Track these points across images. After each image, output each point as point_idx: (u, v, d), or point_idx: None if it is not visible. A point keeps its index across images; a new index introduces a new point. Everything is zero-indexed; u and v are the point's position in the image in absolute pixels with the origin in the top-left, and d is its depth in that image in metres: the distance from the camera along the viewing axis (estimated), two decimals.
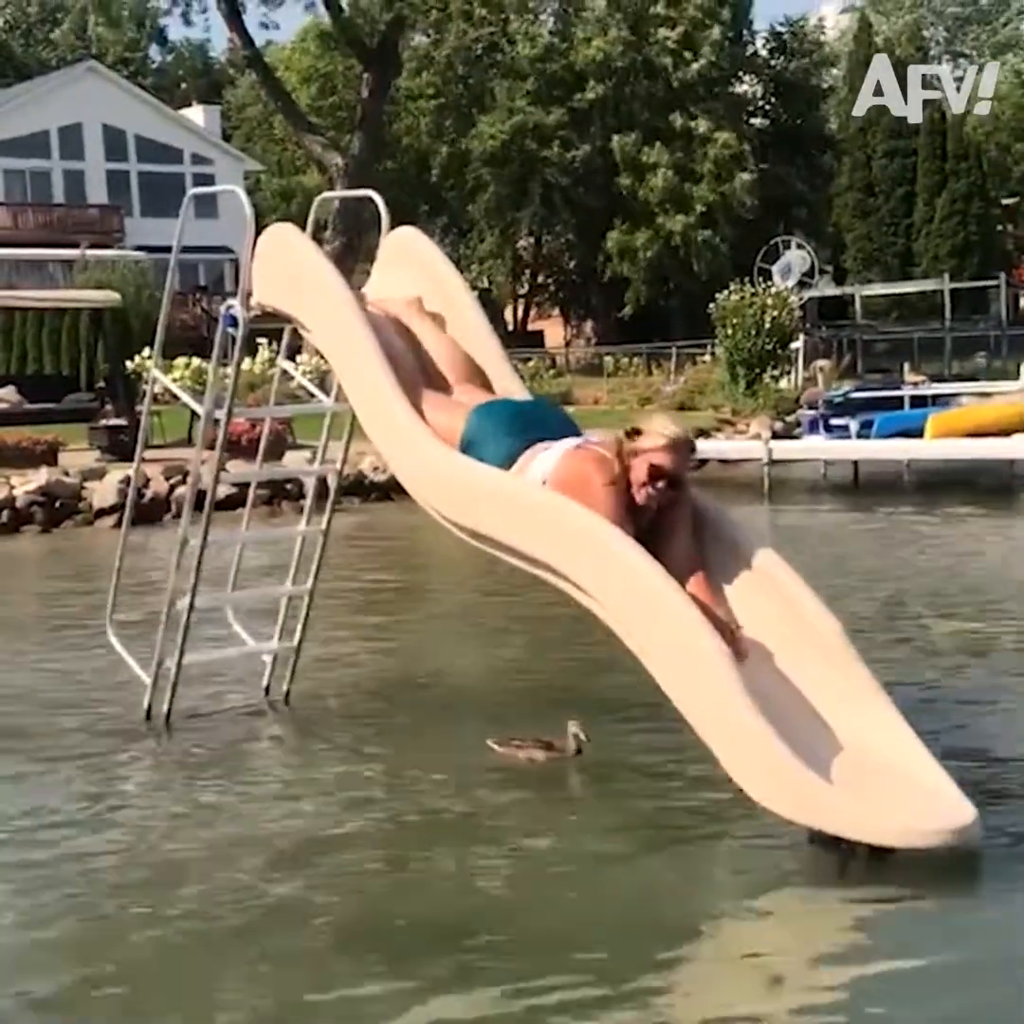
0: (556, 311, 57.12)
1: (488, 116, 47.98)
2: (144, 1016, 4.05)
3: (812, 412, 22.93)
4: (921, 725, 5.10)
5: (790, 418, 25.36)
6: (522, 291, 55.80)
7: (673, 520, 5.22)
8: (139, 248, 40.03)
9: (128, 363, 22.11)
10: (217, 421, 6.73)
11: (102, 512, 16.36)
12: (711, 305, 29.71)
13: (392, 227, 6.74)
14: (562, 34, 49.50)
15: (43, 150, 48.14)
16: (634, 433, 5.23)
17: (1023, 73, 55.63)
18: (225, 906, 4.70)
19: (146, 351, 21.76)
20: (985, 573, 11.54)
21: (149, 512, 15.26)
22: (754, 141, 48.94)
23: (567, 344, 52.70)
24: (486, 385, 6.00)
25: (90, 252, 35.97)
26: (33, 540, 15.68)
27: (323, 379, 11.76)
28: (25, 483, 16.53)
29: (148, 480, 16.13)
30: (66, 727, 6.97)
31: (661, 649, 4.93)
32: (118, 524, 14.04)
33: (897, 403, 22.82)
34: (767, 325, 28.36)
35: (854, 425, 20.78)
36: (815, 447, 20.89)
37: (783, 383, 29.68)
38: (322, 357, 6.87)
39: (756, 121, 53.46)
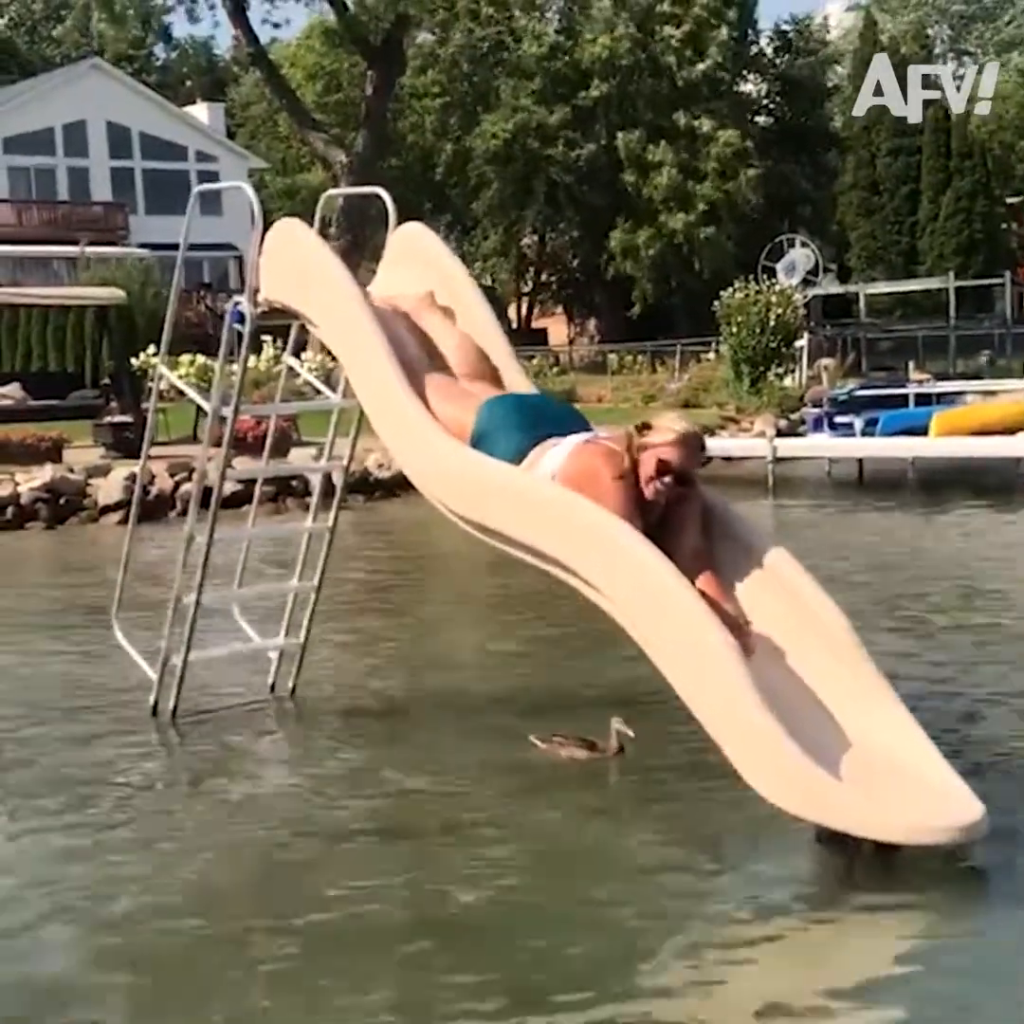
0: (560, 309, 57.10)
1: (492, 115, 47.98)
2: (150, 1014, 4.05)
3: (816, 410, 22.91)
4: (928, 722, 5.10)
5: (794, 416, 25.34)
6: (526, 289, 55.78)
7: (682, 516, 5.21)
8: (143, 245, 40.00)
9: (133, 360, 22.11)
10: (223, 418, 6.72)
11: (107, 509, 16.37)
12: (715, 303, 29.70)
13: (398, 224, 6.74)
14: (568, 32, 49.46)
15: (47, 147, 48.14)
16: (644, 428, 5.23)
17: None
18: (231, 904, 4.70)
19: (151, 348, 21.76)
20: (990, 570, 11.53)
21: (154, 509, 15.28)
22: (758, 139, 48.90)
23: (571, 342, 52.66)
24: (497, 379, 5.99)
25: (89, 249, 35.96)
26: (38, 537, 15.68)
27: (328, 376, 11.76)
28: (30, 480, 16.54)
29: (153, 477, 16.14)
30: (72, 723, 6.97)
31: (669, 645, 4.93)
32: (123, 521, 14.05)
33: (902, 401, 22.79)
34: (771, 323, 28.35)
35: (859, 423, 20.76)
36: (820, 445, 20.87)
37: (787, 381, 29.66)
38: (329, 353, 6.88)
39: (761, 119, 53.43)
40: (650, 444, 5.16)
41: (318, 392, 8.05)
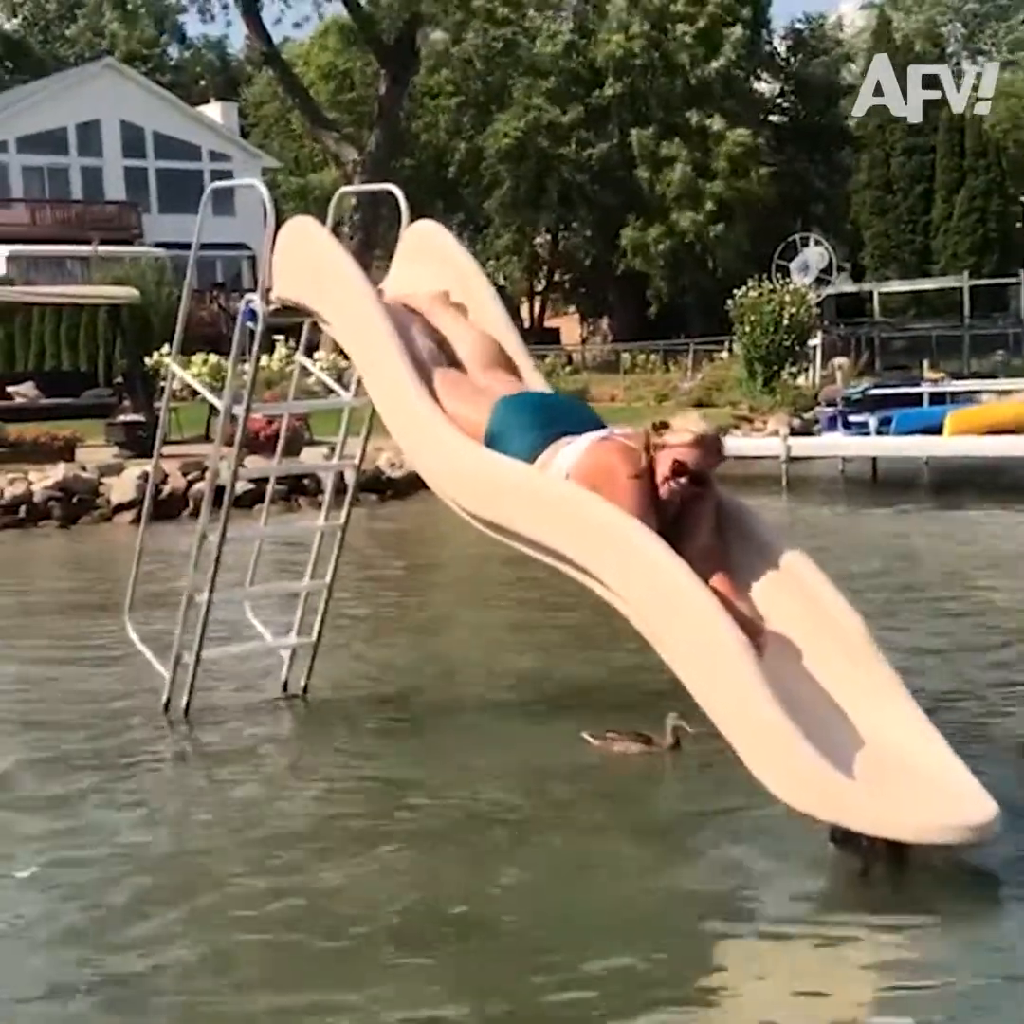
0: (572, 308, 57.08)
1: (504, 114, 48.00)
2: (162, 1012, 4.05)
3: (830, 409, 22.85)
4: (943, 721, 5.08)
5: (808, 415, 25.27)
6: (539, 288, 55.77)
7: (696, 515, 5.19)
8: (157, 245, 40.08)
9: (146, 359, 22.14)
10: (235, 417, 6.72)
11: (120, 507, 16.38)
12: (728, 302, 29.65)
13: (410, 222, 6.72)
14: (582, 30, 49.46)
15: (61, 147, 48.24)
16: (662, 427, 5.20)
17: None
18: (247, 901, 4.69)
19: (164, 347, 21.77)
20: (1006, 569, 11.50)
21: (167, 508, 15.28)
22: (772, 138, 48.85)
23: (583, 341, 52.65)
24: (512, 369, 5.98)
25: (102, 248, 36.03)
26: (51, 535, 15.70)
27: (340, 375, 11.76)
28: (43, 478, 16.56)
29: (166, 476, 16.15)
30: (85, 721, 6.97)
31: (682, 644, 4.91)
32: (136, 519, 14.06)
33: (916, 400, 22.74)
34: (785, 322, 28.29)
35: (873, 422, 20.70)
36: (833, 444, 20.81)
37: (801, 380, 29.61)
38: (341, 352, 6.87)
39: (774, 118, 53.37)
40: (667, 444, 5.14)
41: (330, 391, 8.05)
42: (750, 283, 29.28)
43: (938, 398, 22.82)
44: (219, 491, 6.87)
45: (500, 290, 6.19)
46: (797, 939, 4.34)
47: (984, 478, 18.55)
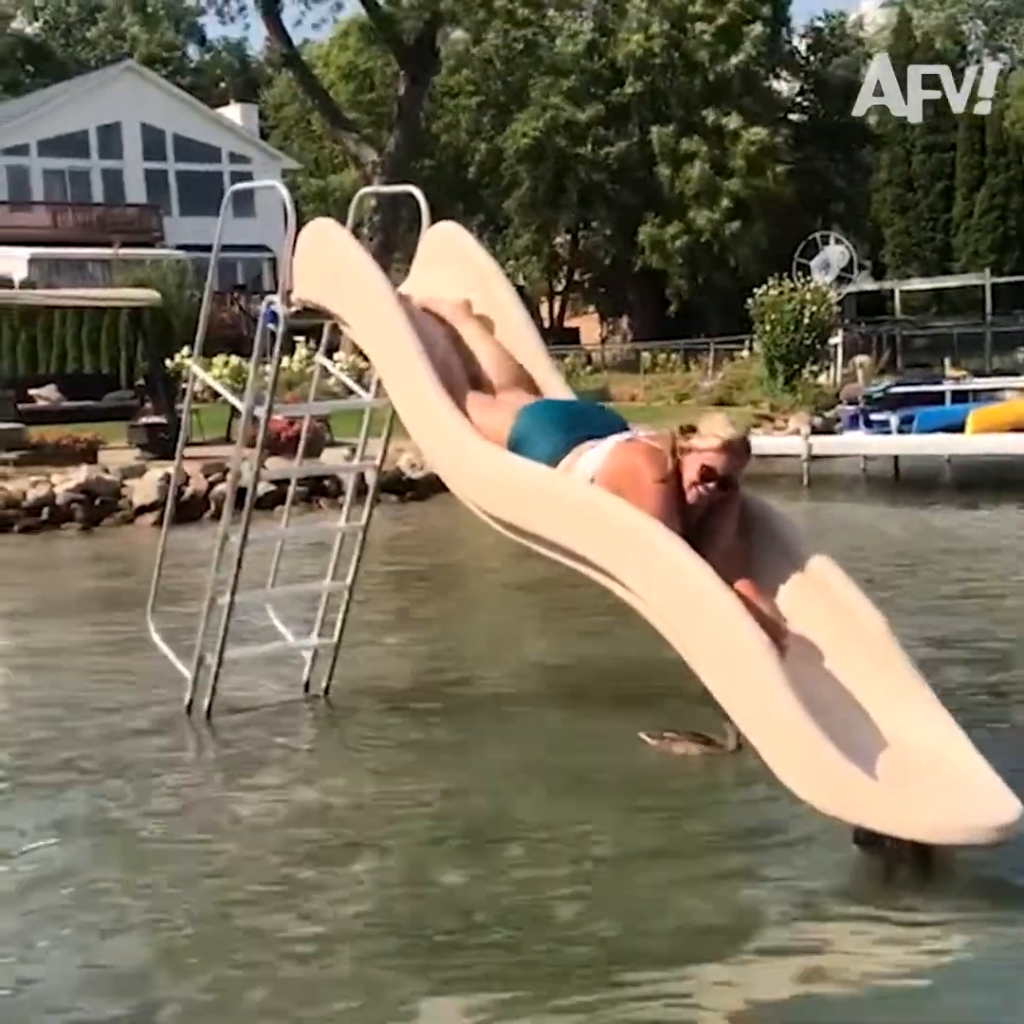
0: (592, 308, 57.05)
1: (522, 113, 48.03)
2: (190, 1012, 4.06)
3: (852, 407, 22.81)
4: (967, 721, 5.05)
5: (829, 414, 25.24)
6: (558, 288, 55.76)
7: (722, 517, 5.18)
8: (178, 247, 40.21)
9: (167, 361, 22.21)
10: (257, 419, 6.73)
11: (142, 509, 16.44)
12: (748, 301, 29.60)
13: (431, 224, 6.73)
14: (602, 30, 49.46)
15: (82, 150, 48.43)
16: (689, 430, 5.18)
17: None
18: (270, 906, 4.70)
19: (185, 349, 21.83)
20: None
21: (189, 509, 15.31)
22: (792, 135, 48.76)
23: (603, 340, 52.62)
24: (533, 388, 5.98)
25: (122, 251, 36.15)
26: (74, 537, 15.76)
27: (360, 376, 11.77)
28: (65, 481, 16.62)
29: (188, 478, 16.19)
30: (108, 722, 6.99)
31: (705, 647, 4.90)
32: (158, 521, 14.11)
33: (938, 398, 22.68)
34: (806, 320, 28.23)
35: (894, 420, 20.66)
36: (855, 442, 20.77)
37: (822, 378, 29.54)
38: (361, 353, 6.87)
39: (794, 116, 53.26)
40: (695, 448, 5.12)
41: (350, 392, 8.05)
42: (771, 282, 29.24)
43: (960, 396, 22.75)
44: (241, 493, 6.88)
45: (519, 290, 6.19)
46: (816, 936, 4.33)
47: (1007, 476, 18.47)
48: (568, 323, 55.05)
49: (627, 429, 5.56)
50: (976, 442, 18.73)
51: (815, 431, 22.23)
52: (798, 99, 54.56)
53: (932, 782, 4.68)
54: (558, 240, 53.79)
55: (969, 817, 4.53)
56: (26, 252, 41.41)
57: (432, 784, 5.89)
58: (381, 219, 35.26)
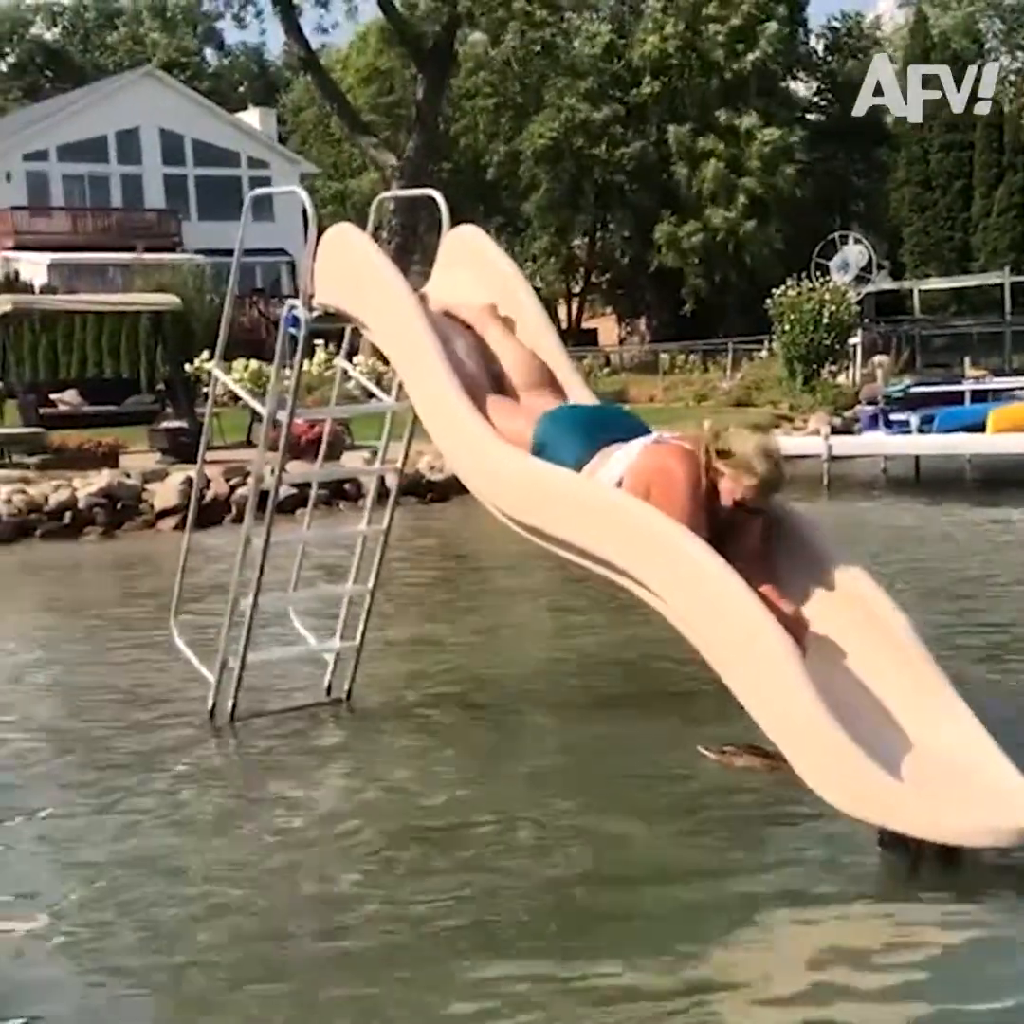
0: (609, 309, 57.02)
1: (539, 115, 48.07)
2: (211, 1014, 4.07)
3: (871, 408, 22.74)
4: (992, 722, 5.04)
5: (849, 414, 25.17)
6: (576, 289, 55.75)
7: (747, 520, 5.17)
8: (197, 252, 40.31)
9: (188, 366, 22.26)
10: (278, 422, 6.75)
11: (164, 513, 16.46)
12: (767, 301, 29.55)
13: (450, 226, 6.73)
14: (620, 31, 49.48)
15: (101, 154, 48.59)
16: (723, 455, 5.09)
17: None
18: (297, 908, 4.71)
19: (205, 353, 21.89)
20: None
21: (210, 513, 15.33)
22: (809, 135, 48.70)
23: (621, 342, 52.58)
24: (557, 390, 5.97)
25: (145, 256, 36.27)
26: (95, 541, 15.80)
27: (380, 379, 11.80)
28: (87, 485, 16.66)
29: (209, 481, 16.21)
30: (132, 727, 7.01)
31: (729, 651, 4.88)
32: (180, 525, 14.14)
33: (957, 398, 22.59)
34: (825, 320, 28.18)
35: (914, 420, 20.59)
36: (875, 443, 20.71)
37: (841, 379, 29.48)
38: (381, 357, 6.89)
39: (812, 116, 53.19)
40: (730, 476, 5.08)
41: (371, 395, 8.07)
42: (789, 282, 29.19)
43: (979, 395, 22.67)
44: (262, 496, 6.90)
45: (536, 292, 6.19)
46: (837, 939, 4.33)
47: None
48: (586, 325, 55.04)
49: (650, 433, 5.56)
50: (997, 442, 18.66)
51: (835, 431, 22.18)
52: (815, 99, 54.46)
53: (957, 784, 4.66)
54: (576, 242, 53.79)
55: (995, 819, 4.52)
56: (46, 257, 41.63)
57: (458, 789, 5.88)
58: (400, 222, 35.30)
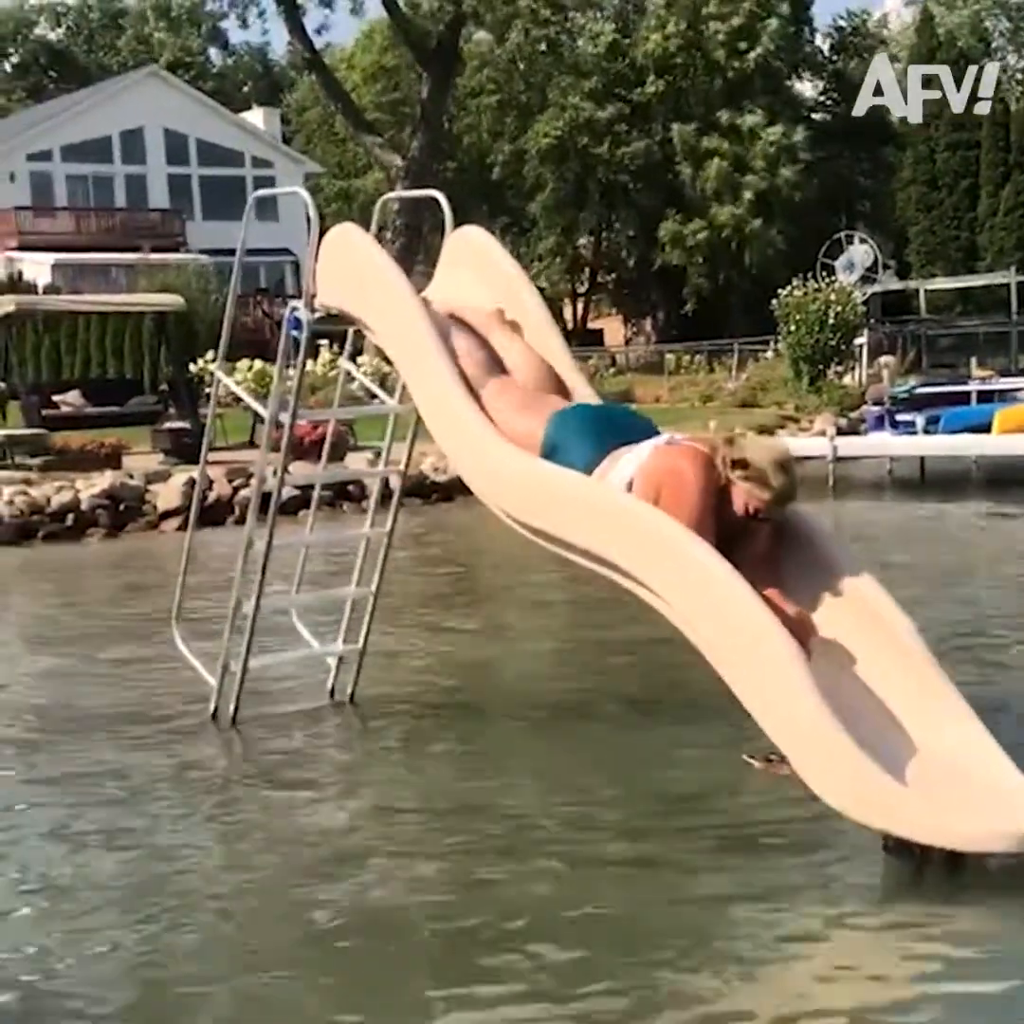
0: (615, 310, 57.00)
1: (544, 114, 48.09)
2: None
3: (877, 408, 22.70)
4: (995, 725, 5.01)
5: (855, 414, 25.12)
6: (581, 289, 55.73)
7: (756, 524, 5.15)
8: (201, 252, 40.30)
9: (191, 366, 22.24)
10: (281, 423, 6.72)
11: (166, 514, 16.45)
12: (772, 301, 29.51)
13: (454, 227, 6.70)
14: (624, 30, 49.49)
15: (105, 155, 48.60)
16: (738, 465, 5.08)
17: None
18: (299, 911, 4.68)
19: (209, 354, 21.84)
20: None
21: (213, 514, 15.33)
22: (812, 135, 48.64)
23: (627, 342, 52.56)
24: (564, 393, 5.94)
25: (148, 256, 36.28)
26: (98, 543, 15.79)
27: (383, 380, 11.77)
28: (90, 486, 16.64)
29: (212, 483, 16.19)
30: (133, 730, 6.99)
31: (734, 654, 4.85)
32: (182, 526, 14.10)
33: (964, 398, 22.56)
34: (831, 320, 28.13)
35: (920, 421, 20.55)
36: (881, 443, 20.68)
37: (847, 379, 29.43)
38: (385, 357, 6.86)
39: (817, 115, 53.16)
40: (745, 487, 5.06)
41: (374, 397, 8.04)
42: (795, 282, 29.15)
43: (986, 396, 22.63)
44: (265, 497, 6.87)
45: (541, 292, 6.16)
46: (843, 942, 4.30)
47: None
48: (591, 325, 55.01)
49: (659, 434, 5.53)
50: (1003, 442, 18.63)
51: (840, 432, 22.15)
52: (821, 99, 54.44)
53: (963, 789, 4.64)
54: (581, 241, 53.78)
55: (1000, 824, 4.50)
56: (50, 257, 41.62)
57: (460, 795, 5.86)
58: (404, 223, 35.25)
